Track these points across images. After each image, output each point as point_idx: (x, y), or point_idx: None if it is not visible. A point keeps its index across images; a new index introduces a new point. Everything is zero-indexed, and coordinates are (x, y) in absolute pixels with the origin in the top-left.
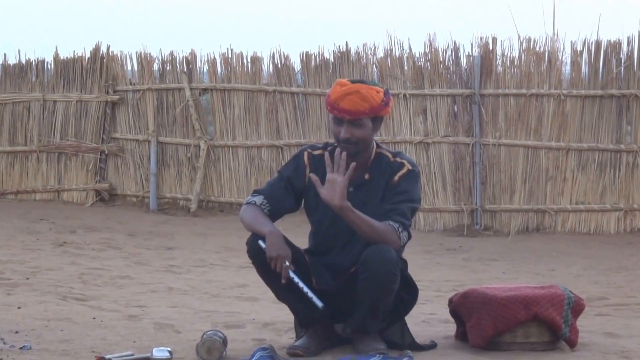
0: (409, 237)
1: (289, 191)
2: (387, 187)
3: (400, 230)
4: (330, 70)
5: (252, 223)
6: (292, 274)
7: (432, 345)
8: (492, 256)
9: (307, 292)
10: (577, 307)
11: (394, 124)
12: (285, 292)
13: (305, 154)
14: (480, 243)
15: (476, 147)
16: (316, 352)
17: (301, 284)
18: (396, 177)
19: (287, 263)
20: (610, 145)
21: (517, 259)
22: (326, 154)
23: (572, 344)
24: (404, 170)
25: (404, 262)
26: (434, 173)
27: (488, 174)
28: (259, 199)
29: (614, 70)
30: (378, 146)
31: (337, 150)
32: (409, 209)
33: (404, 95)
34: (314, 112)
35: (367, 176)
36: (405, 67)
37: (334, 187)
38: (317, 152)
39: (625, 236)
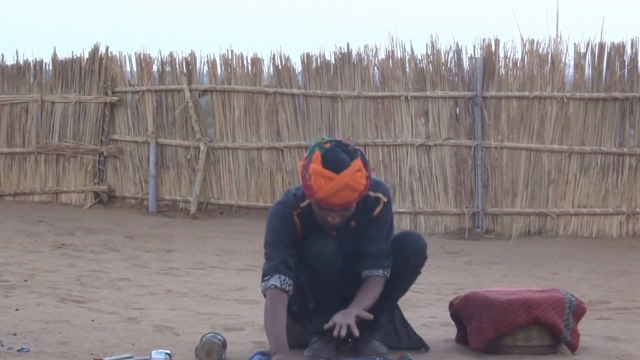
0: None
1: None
2: (368, 223)
3: (386, 272)
4: (332, 72)
5: (268, 329)
6: None
7: (425, 347)
8: (493, 259)
9: None
10: (578, 311)
11: (395, 127)
12: (330, 297)
13: (295, 214)
14: (481, 246)
15: (478, 150)
16: (335, 356)
17: None
18: (374, 213)
19: None
20: (613, 149)
21: (519, 263)
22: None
23: (573, 347)
24: (380, 206)
25: None
26: (436, 176)
27: (490, 176)
28: (277, 280)
29: (618, 73)
30: None
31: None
32: (389, 242)
33: (406, 97)
34: (314, 113)
35: (352, 223)
36: (407, 69)
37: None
38: (299, 211)
39: (627, 240)
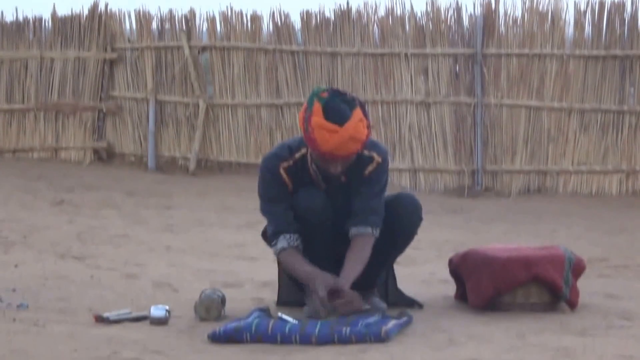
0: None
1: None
2: (359, 181)
3: (374, 231)
4: (331, 29)
5: (298, 274)
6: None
7: (418, 304)
8: (492, 217)
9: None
10: (577, 268)
11: (395, 84)
12: (321, 252)
13: (282, 171)
14: (481, 204)
15: (478, 108)
16: (332, 311)
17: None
18: (366, 172)
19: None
20: (613, 107)
21: (518, 220)
22: (320, 298)
23: (572, 305)
24: (373, 165)
25: None
26: (435, 133)
27: (489, 134)
28: (285, 242)
29: (618, 31)
30: None
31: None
32: (380, 200)
33: (405, 54)
34: (314, 71)
35: (343, 178)
36: (407, 27)
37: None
38: (288, 164)
39: (627, 198)
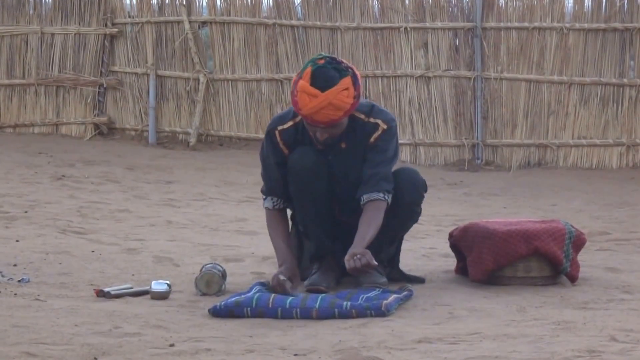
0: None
1: (283, 171)
2: (366, 149)
3: (386, 196)
4: (331, 3)
5: (273, 245)
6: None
7: (419, 280)
8: (493, 191)
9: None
10: (578, 242)
11: (394, 58)
12: (315, 217)
13: (276, 133)
14: (481, 178)
15: (478, 81)
16: (332, 286)
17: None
18: (372, 139)
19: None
20: (613, 80)
21: (518, 194)
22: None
23: (573, 278)
24: (378, 132)
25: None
26: (435, 107)
27: (489, 108)
28: (270, 202)
29: (618, 4)
30: None
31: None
32: (389, 168)
33: (405, 28)
34: (314, 45)
35: (343, 145)
36: (407, 1)
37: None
38: (288, 126)
39: (627, 171)
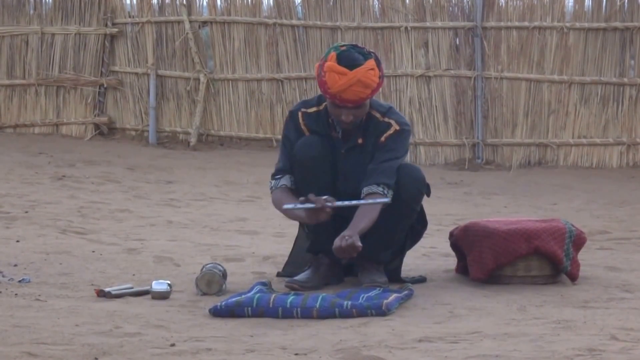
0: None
1: None
2: (375, 147)
3: (386, 190)
4: (331, 3)
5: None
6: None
7: (421, 280)
8: (493, 190)
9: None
10: (578, 241)
11: (395, 58)
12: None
13: (299, 114)
14: (481, 177)
15: (478, 81)
16: (316, 286)
17: (347, 202)
18: (382, 138)
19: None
20: (613, 79)
21: (519, 193)
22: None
23: (573, 277)
24: (390, 131)
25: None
26: (436, 107)
27: (490, 107)
28: (286, 180)
29: (618, 3)
30: (370, 106)
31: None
32: (392, 166)
33: (405, 28)
34: (314, 45)
35: (360, 140)
36: (407, 0)
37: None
38: (311, 110)
39: (627, 170)
